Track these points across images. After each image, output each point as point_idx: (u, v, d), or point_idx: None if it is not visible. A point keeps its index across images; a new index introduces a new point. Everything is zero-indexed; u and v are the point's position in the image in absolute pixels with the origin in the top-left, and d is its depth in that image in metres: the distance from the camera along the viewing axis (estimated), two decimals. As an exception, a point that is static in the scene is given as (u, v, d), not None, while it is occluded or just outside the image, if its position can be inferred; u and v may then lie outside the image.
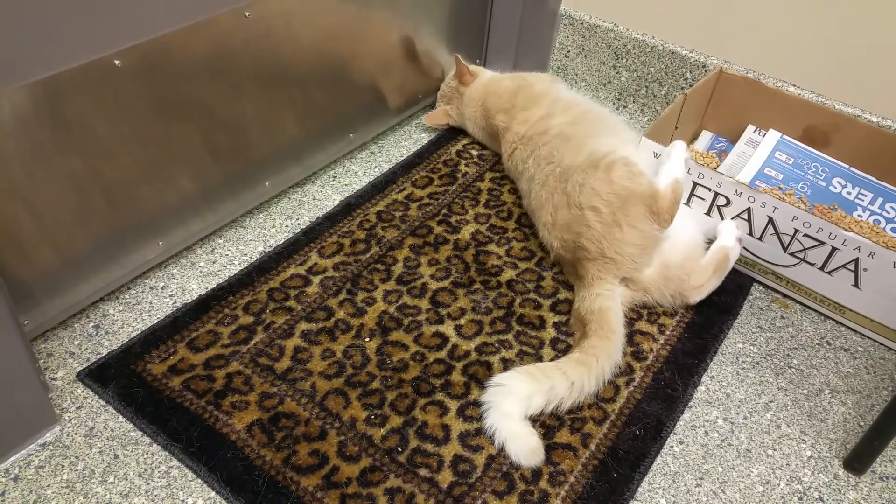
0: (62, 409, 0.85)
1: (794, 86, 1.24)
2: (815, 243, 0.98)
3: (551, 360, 0.93)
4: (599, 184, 0.96)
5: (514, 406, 0.82)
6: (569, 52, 1.47)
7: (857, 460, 0.85)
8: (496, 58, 1.45)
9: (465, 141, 1.32)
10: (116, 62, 0.82)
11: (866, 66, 1.16)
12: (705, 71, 1.31)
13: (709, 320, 1.01)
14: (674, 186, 0.95)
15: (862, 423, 0.91)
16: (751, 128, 1.25)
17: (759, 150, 1.20)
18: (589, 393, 0.87)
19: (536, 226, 1.08)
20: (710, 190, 1.04)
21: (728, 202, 1.03)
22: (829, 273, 1.00)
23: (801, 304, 1.06)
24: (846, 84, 1.19)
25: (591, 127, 1.10)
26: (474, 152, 1.30)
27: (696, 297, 0.99)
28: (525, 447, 0.81)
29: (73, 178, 0.84)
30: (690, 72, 1.33)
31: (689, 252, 0.99)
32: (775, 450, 0.87)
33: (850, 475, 0.85)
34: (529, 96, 1.20)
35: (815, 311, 1.05)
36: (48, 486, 0.78)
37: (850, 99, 1.19)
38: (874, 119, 1.17)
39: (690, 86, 1.33)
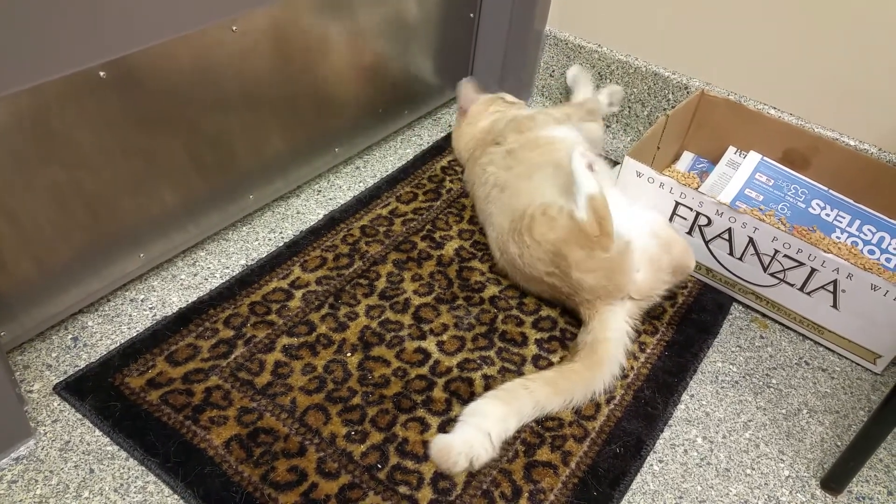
0: (37, 422, 0.84)
1: (775, 108, 1.26)
2: (795, 264, 0.99)
3: (533, 377, 0.93)
4: (533, 250, 0.96)
5: (492, 425, 0.82)
6: (553, 71, 1.49)
7: (834, 480, 0.85)
8: (482, 76, 1.46)
9: (450, 157, 1.33)
10: (101, 74, 0.82)
11: (845, 91, 1.18)
12: (687, 92, 1.33)
13: (689, 339, 1.02)
14: (592, 206, 0.91)
15: (839, 443, 0.92)
16: (732, 149, 1.27)
17: (739, 171, 1.21)
18: (551, 412, 0.87)
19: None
20: (691, 210, 1.05)
21: (709, 222, 1.05)
22: (808, 294, 1.01)
23: (781, 324, 1.07)
24: (825, 108, 1.21)
25: (524, 170, 1.07)
26: (459, 169, 1.30)
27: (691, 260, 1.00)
28: (447, 444, 0.80)
29: (54, 189, 0.83)
30: (673, 93, 1.35)
31: (657, 230, 0.98)
32: (754, 469, 0.88)
33: (828, 495, 0.86)
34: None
35: (794, 331, 1.07)
36: (21, 501, 0.76)
37: (830, 122, 1.22)
38: (852, 143, 1.19)
39: (673, 107, 1.34)
